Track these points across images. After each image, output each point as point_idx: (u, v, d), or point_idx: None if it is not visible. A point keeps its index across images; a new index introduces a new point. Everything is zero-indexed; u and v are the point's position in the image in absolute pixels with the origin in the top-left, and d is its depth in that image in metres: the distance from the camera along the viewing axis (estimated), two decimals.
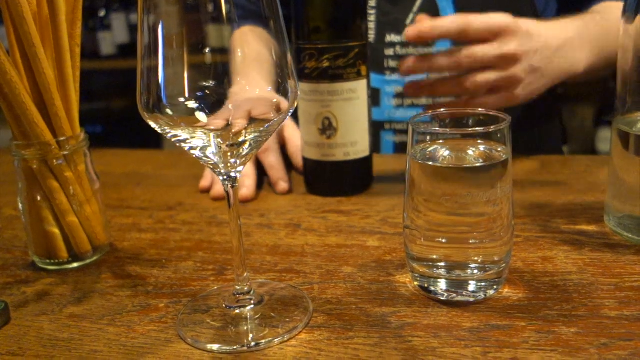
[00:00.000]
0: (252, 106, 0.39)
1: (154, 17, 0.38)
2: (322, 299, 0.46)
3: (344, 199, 0.67)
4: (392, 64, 0.86)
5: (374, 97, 0.89)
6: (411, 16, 0.84)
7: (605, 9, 0.80)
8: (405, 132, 0.88)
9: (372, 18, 0.86)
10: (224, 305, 0.45)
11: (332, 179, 0.68)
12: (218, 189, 0.69)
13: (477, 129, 0.42)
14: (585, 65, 0.73)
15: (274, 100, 0.40)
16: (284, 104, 0.40)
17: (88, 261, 0.55)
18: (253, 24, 0.39)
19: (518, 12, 0.85)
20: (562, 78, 0.72)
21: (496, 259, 0.44)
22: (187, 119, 0.39)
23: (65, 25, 0.49)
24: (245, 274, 0.45)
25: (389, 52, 0.86)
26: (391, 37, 0.86)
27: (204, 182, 0.73)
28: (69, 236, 0.53)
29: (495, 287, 0.45)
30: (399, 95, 0.87)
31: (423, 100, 0.86)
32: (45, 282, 0.52)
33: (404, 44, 0.85)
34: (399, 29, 0.85)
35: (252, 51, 0.39)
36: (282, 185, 0.70)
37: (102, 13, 2.46)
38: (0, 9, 0.48)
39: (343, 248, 0.54)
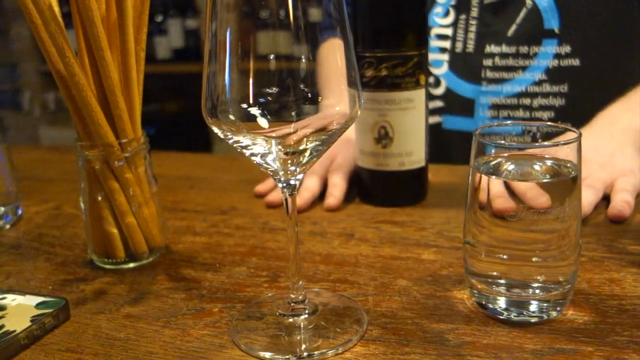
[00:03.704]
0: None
1: (220, 23, 0.38)
2: (377, 311, 0.45)
3: (398, 209, 0.65)
4: (490, 74, 0.84)
5: (468, 107, 0.87)
6: (514, 27, 0.82)
7: None
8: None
9: (472, 29, 0.85)
10: (277, 313, 0.45)
11: (386, 188, 0.67)
12: (276, 195, 0.69)
13: (546, 143, 0.41)
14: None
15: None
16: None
17: (144, 262, 0.56)
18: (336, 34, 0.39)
19: (628, 28, 0.81)
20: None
21: (561, 279, 0.42)
22: (250, 125, 0.39)
23: (132, 30, 0.50)
24: (300, 282, 0.45)
25: (488, 62, 0.84)
26: (491, 48, 0.84)
27: (262, 188, 0.73)
28: (126, 236, 0.54)
29: (558, 308, 0.43)
30: (494, 107, 0.85)
31: (520, 113, 0.84)
32: (103, 280, 0.53)
33: (503, 55, 0.83)
34: (499, 39, 0.83)
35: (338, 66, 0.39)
36: (331, 200, 0.67)
37: (159, 18, 2.53)
38: (71, 13, 0.50)
39: (397, 260, 0.53)
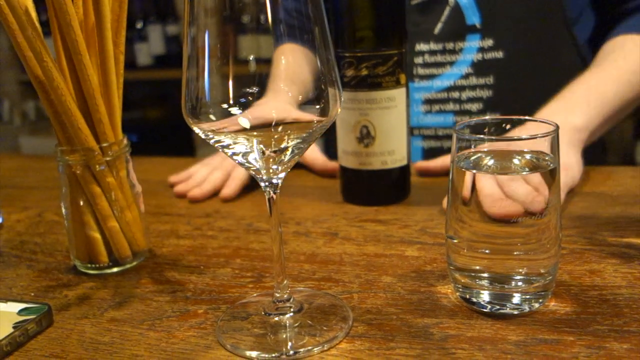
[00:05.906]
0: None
1: (198, 28, 0.38)
2: (362, 308, 0.45)
3: (382, 208, 0.66)
4: (421, 71, 0.88)
5: None
6: (439, 25, 0.85)
7: (615, 51, 0.77)
8: (434, 137, 0.89)
9: None
10: (263, 313, 0.45)
11: (369, 187, 0.67)
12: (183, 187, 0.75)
13: (524, 136, 0.41)
14: (582, 122, 0.69)
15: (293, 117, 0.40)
16: (308, 118, 0.40)
17: (128, 266, 0.55)
18: (296, 40, 0.39)
19: (548, 20, 0.84)
20: (576, 139, 0.68)
21: (542, 271, 0.43)
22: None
23: (110, 33, 0.50)
24: (285, 282, 0.45)
25: (418, 60, 0.88)
26: (420, 46, 0.87)
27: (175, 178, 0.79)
28: (109, 241, 0.54)
29: (541, 300, 0.43)
30: (427, 102, 0.88)
31: (451, 106, 0.87)
32: (87, 285, 0.52)
33: (432, 52, 0.87)
34: (427, 38, 0.86)
35: (286, 69, 0.39)
36: (225, 190, 0.73)
37: (139, 25, 2.51)
38: (48, 17, 0.49)
39: (381, 257, 0.54)
